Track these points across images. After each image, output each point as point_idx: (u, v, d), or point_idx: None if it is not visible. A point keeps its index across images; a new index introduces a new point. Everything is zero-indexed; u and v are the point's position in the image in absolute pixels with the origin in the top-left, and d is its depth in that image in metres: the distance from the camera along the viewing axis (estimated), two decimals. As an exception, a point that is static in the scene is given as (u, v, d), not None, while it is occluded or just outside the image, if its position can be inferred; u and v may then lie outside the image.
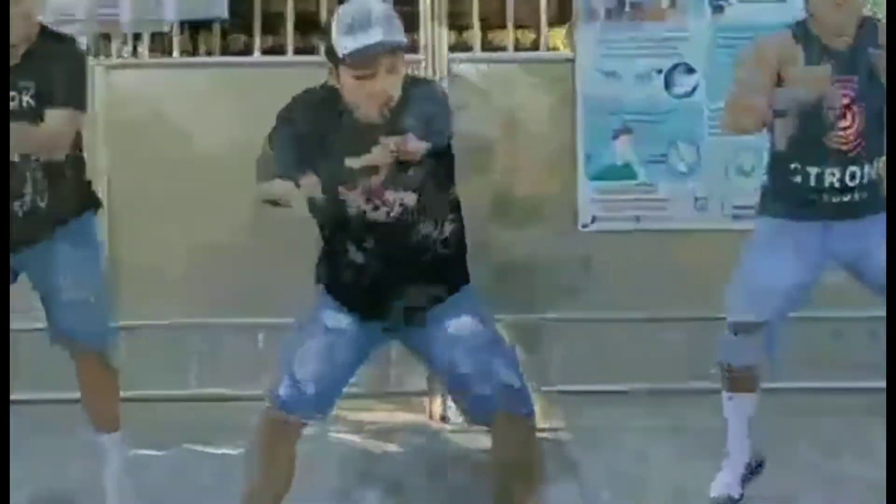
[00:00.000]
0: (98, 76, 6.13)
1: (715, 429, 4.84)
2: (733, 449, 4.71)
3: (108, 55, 6.56)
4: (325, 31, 3.64)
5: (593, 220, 6.12)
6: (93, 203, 4.86)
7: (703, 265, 5.80)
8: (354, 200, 3.59)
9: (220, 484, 5.15)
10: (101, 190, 5.79)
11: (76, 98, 4.54)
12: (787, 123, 4.38)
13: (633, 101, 6.12)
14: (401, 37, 3.57)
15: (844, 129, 4.30)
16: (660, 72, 6.05)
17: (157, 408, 6.18)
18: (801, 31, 4.37)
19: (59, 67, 4.47)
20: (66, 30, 5.77)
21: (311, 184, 3.39)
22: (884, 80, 4.25)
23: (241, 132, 5.89)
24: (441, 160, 3.63)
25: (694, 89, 6.00)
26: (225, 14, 6.34)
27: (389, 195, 3.60)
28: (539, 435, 3.98)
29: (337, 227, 3.74)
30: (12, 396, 4.74)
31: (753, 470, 4.79)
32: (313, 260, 3.90)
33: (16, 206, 4.52)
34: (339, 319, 3.80)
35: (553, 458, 5.25)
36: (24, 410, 5.47)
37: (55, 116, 4.37)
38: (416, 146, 3.40)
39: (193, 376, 6.58)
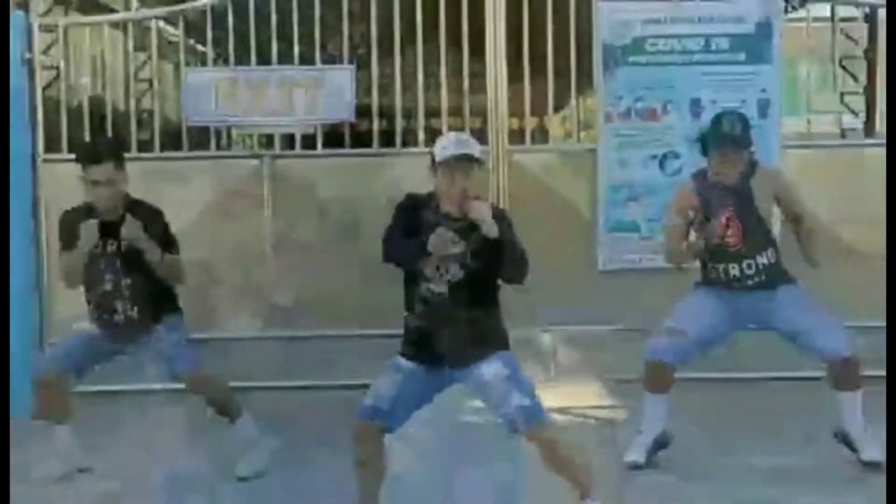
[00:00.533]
0: (264, 165, 7.11)
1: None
2: (645, 429, 5.27)
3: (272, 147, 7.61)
4: (431, 153, 4.24)
5: (609, 261, 6.99)
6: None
7: (682, 291, 6.11)
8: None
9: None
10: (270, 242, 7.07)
11: (174, 244, 5.25)
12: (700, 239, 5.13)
13: (639, 179, 6.97)
14: (474, 151, 4.20)
15: (730, 237, 5.02)
16: (655, 157, 6.95)
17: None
18: (700, 178, 5.23)
19: (154, 224, 5.10)
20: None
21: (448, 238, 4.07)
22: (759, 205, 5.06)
23: (369, 197, 6.95)
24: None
25: (680, 169, 6.79)
26: (352, 117, 7.12)
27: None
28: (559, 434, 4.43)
29: (409, 291, 4.26)
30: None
31: (662, 441, 5.30)
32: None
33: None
34: (405, 363, 4.29)
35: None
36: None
37: (177, 259, 5.20)
38: (484, 217, 4.03)
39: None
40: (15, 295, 6.65)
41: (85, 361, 5.42)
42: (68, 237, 5.13)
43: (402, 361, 4.31)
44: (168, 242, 5.24)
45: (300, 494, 5.14)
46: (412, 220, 4.23)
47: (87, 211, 5.14)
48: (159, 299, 5.31)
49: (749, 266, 5.12)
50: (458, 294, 4.20)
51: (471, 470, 5.37)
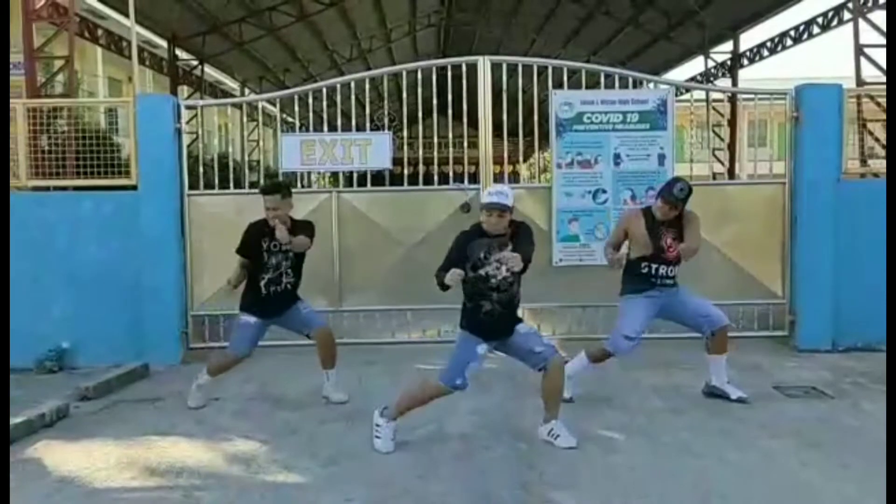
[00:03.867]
0: (333, 198, 7.08)
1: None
2: (574, 378, 5.19)
3: (338, 185, 7.52)
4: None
5: (560, 260, 7.03)
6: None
7: (611, 282, 6.50)
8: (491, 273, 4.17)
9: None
10: (336, 248, 7.02)
11: (313, 236, 5.32)
12: (642, 246, 5.06)
13: (578, 206, 6.98)
14: (507, 202, 4.18)
15: (671, 252, 5.03)
16: (589, 192, 6.97)
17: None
18: (649, 212, 5.13)
19: (306, 229, 5.27)
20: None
21: (458, 274, 4.06)
22: (688, 235, 5.01)
23: (402, 218, 7.08)
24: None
25: (606, 201, 6.93)
26: (390, 165, 7.12)
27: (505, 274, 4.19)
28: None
29: (476, 290, 4.23)
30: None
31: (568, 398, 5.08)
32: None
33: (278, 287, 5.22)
34: (483, 348, 4.31)
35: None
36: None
37: (308, 240, 5.22)
38: (517, 262, 4.08)
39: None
40: (170, 280, 6.80)
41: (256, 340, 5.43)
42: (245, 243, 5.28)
43: (479, 346, 4.31)
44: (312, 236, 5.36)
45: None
46: (470, 241, 4.25)
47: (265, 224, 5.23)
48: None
49: (672, 271, 5.11)
50: (513, 287, 4.30)
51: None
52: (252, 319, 5.28)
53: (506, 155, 7.31)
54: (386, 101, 7.65)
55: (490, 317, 4.27)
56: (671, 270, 5.10)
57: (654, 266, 5.10)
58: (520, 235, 4.30)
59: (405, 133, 7.33)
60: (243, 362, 5.45)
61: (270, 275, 5.24)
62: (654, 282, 5.11)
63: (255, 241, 5.23)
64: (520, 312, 6.88)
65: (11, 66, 10.13)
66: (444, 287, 4.17)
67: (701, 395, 5.38)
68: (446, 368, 4.36)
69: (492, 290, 4.23)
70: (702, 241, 5.31)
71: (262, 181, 7.52)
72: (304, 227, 5.33)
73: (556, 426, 4.40)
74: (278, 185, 5.41)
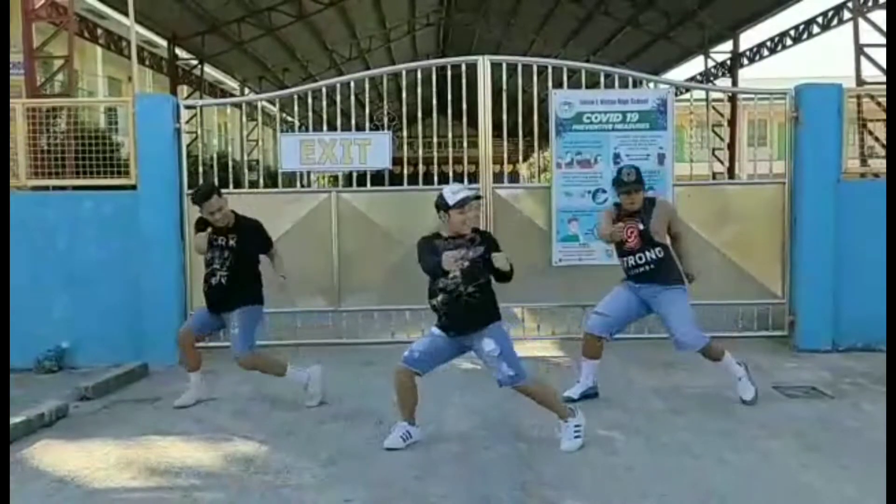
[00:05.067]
0: (332, 197, 7.05)
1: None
2: (583, 380, 5.30)
3: (337, 185, 7.60)
4: (438, 201, 4.22)
5: (560, 260, 7.05)
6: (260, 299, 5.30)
7: (611, 282, 6.54)
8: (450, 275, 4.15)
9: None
10: (335, 248, 7.04)
11: (270, 244, 5.38)
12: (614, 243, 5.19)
13: (578, 206, 6.98)
14: (476, 193, 4.36)
15: (630, 241, 5.06)
16: (589, 192, 6.96)
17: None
18: (617, 207, 5.21)
19: (254, 232, 5.24)
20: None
21: (453, 256, 4.07)
22: (653, 222, 5.01)
23: (402, 218, 7.04)
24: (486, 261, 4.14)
25: (605, 200, 6.82)
26: (390, 165, 7.09)
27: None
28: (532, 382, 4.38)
29: (437, 291, 4.25)
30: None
31: (592, 392, 5.31)
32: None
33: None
34: (437, 331, 4.35)
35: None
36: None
37: (274, 252, 5.29)
38: (503, 262, 4.07)
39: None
40: (169, 280, 6.78)
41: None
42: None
43: (436, 330, 4.37)
44: (267, 241, 5.38)
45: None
46: (431, 246, 4.26)
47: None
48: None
49: (640, 258, 5.09)
50: (464, 284, 4.22)
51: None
52: (203, 306, 5.38)
53: (505, 155, 7.27)
54: (385, 101, 7.59)
55: (443, 316, 4.30)
56: (639, 258, 5.09)
57: (625, 259, 5.18)
58: (490, 242, 4.29)
59: (405, 133, 7.33)
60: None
61: (206, 268, 5.27)
62: (631, 273, 5.15)
63: (201, 234, 5.19)
64: (519, 312, 6.94)
65: (11, 65, 10.10)
66: (443, 273, 4.16)
67: (700, 396, 5.37)
68: None
69: (438, 291, 4.25)
70: (687, 229, 5.38)
71: (262, 181, 7.51)
72: (251, 229, 5.29)
73: (563, 429, 4.35)
74: (210, 188, 5.33)
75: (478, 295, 4.24)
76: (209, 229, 5.18)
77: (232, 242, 5.20)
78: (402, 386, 4.39)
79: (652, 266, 5.10)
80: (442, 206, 4.23)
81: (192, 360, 5.46)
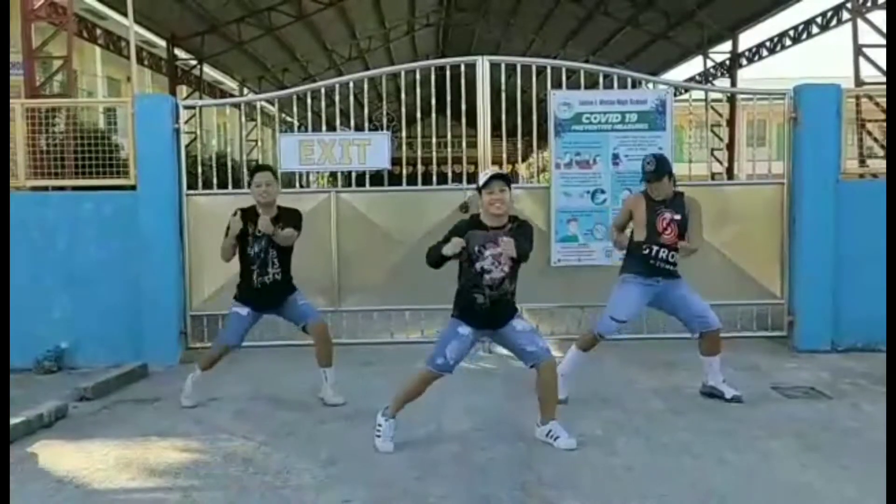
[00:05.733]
0: (331, 198, 7.05)
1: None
2: (569, 376, 5.14)
3: (336, 184, 7.40)
4: (478, 186, 4.24)
5: (559, 260, 7.04)
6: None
7: (610, 282, 6.60)
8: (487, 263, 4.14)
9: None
10: (335, 248, 7.01)
11: (300, 227, 5.24)
12: (642, 228, 5.05)
13: (577, 206, 6.98)
14: (508, 177, 4.31)
15: (668, 234, 5.03)
16: (588, 192, 6.96)
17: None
18: (646, 194, 5.15)
19: (294, 218, 5.22)
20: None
21: (459, 243, 4.09)
22: (690, 230, 4.99)
23: (401, 218, 7.04)
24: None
25: (604, 201, 6.91)
26: (389, 165, 7.06)
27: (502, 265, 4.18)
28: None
29: (471, 283, 4.22)
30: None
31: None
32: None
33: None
34: (466, 329, 4.29)
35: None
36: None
37: (295, 232, 5.16)
38: (511, 251, 4.08)
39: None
40: (169, 280, 6.79)
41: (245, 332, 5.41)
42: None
43: (461, 328, 4.30)
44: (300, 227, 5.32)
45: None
46: (470, 229, 4.25)
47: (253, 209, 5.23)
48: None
49: (672, 256, 5.08)
50: (510, 282, 4.27)
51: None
52: (244, 311, 5.26)
53: (504, 155, 7.27)
54: (385, 101, 7.58)
55: (482, 308, 4.28)
56: (671, 255, 5.07)
57: (653, 248, 5.08)
58: (521, 230, 4.28)
59: (404, 133, 7.33)
60: (242, 363, 5.42)
61: (257, 264, 5.19)
62: (654, 264, 5.08)
63: (237, 225, 5.15)
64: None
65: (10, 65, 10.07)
66: (442, 260, 4.16)
67: (699, 396, 5.37)
68: (431, 352, 4.38)
69: (486, 286, 4.22)
70: (702, 238, 5.29)
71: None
72: (290, 216, 5.26)
73: (555, 427, 4.37)
74: (268, 166, 5.46)
75: (515, 289, 4.33)
76: (246, 225, 5.13)
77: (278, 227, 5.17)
78: (420, 389, 4.41)
79: (675, 264, 5.13)
80: (478, 188, 4.29)
81: (213, 363, 5.42)
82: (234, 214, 5.21)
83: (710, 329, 5.15)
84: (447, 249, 4.12)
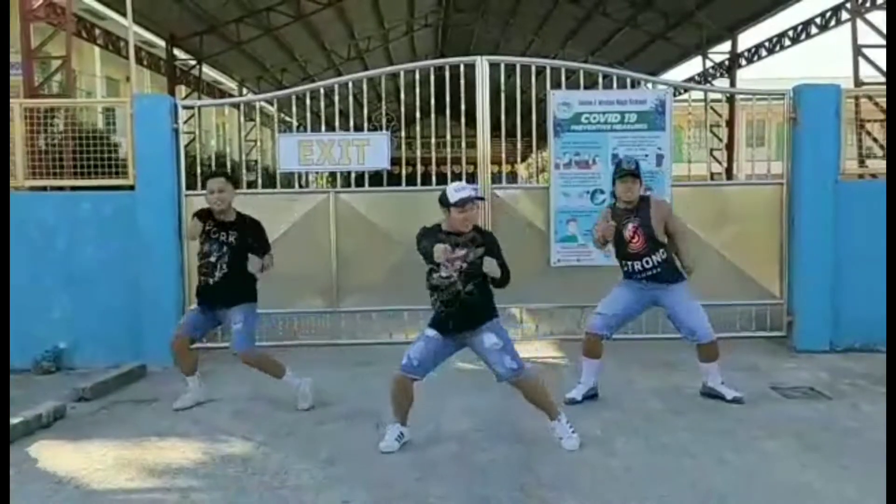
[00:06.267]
0: (330, 198, 7.03)
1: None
2: (585, 381, 5.28)
3: (335, 185, 7.43)
4: (441, 197, 4.20)
5: (558, 260, 7.03)
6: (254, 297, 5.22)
7: (609, 283, 6.62)
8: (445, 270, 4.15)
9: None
10: (334, 249, 7.04)
11: (266, 241, 5.29)
12: (614, 243, 5.15)
13: (576, 206, 6.98)
14: (479, 195, 4.34)
15: (634, 243, 5.07)
16: (587, 192, 6.96)
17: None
18: (614, 205, 5.24)
19: (254, 231, 5.19)
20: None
21: (444, 249, 4.07)
22: (653, 223, 4.99)
23: (400, 219, 6.94)
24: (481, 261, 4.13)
25: (603, 201, 6.78)
26: (388, 166, 7.09)
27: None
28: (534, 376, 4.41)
29: (428, 282, 4.25)
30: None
31: (592, 393, 5.29)
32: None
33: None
34: (432, 332, 4.29)
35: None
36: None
37: (267, 257, 5.17)
38: (494, 269, 4.09)
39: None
40: (168, 280, 6.77)
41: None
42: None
43: (428, 330, 4.33)
44: (265, 244, 5.32)
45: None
46: (432, 235, 4.22)
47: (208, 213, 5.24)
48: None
49: (647, 262, 5.09)
50: (462, 283, 4.20)
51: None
52: (195, 306, 5.33)
53: (504, 155, 7.24)
54: (384, 102, 7.57)
55: (438, 311, 4.29)
56: (646, 262, 5.08)
57: (627, 263, 5.16)
58: (491, 245, 4.25)
59: (403, 133, 7.32)
60: (240, 364, 5.38)
61: (204, 263, 5.19)
62: (636, 277, 5.15)
63: (196, 228, 5.16)
64: (517, 313, 6.92)
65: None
66: (436, 265, 4.18)
67: (699, 396, 5.36)
68: None
69: (436, 287, 4.24)
70: (687, 232, 5.36)
71: (260, 181, 7.47)
72: (253, 231, 5.24)
73: (558, 427, 4.36)
74: (224, 171, 5.53)
75: (475, 293, 4.23)
76: (204, 224, 5.15)
77: (231, 239, 5.17)
78: (400, 392, 4.37)
79: (658, 269, 5.12)
80: (444, 202, 4.22)
81: (187, 364, 5.41)
82: (193, 217, 5.23)
83: (701, 343, 5.16)
84: (437, 256, 4.09)
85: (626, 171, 5.10)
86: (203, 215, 5.21)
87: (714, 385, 5.28)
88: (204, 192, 7.02)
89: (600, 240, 5.24)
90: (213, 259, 5.16)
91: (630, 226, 5.11)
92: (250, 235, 5.22)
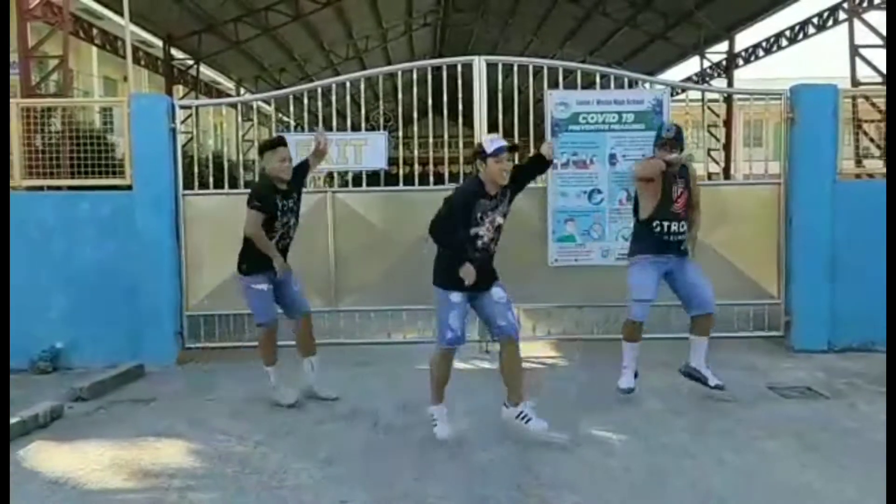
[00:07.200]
0: (328, 198, 6.99)
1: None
2: (630, 364, 5.32)
3: (333, 184, 7.55)
4: (477, 149, 4.28)
5: (556, 260, 6.98)
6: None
7: (607, 282, 6.44)
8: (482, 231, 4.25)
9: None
10: (332, 248, 6.96)
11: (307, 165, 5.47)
12: (654, 200, 5.08)
13: (574, 206, 6.94)
14: (511, 143, 4.31)
15: (679, 203, 5.11)
16: (585, 192, 6.93)
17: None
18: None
19: (298, 177, 5.31)
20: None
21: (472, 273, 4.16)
22: (692, 188, 5.14)
23: (398, 219, 7.00)
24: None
25: (601, 201, 6.89)
26: (386, 165, 7.03)
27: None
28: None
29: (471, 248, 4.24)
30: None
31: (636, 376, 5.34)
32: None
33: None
34: (458, 296, 4.29)
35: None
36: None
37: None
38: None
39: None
40: (165, 280, 6.77)
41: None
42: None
43: (452, 294, 4.28)
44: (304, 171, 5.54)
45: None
46: (476, 200, 4.26)
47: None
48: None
49: (683, 225, 5.16)
50: (494, 243, 4.37)
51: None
52: (265, 286, 5.20)
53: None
54: (381, 102, 7.58)
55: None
56: (682, 225, 5.13)
57: (664, 224, 5.13)
58: (511, 189, 4.39)
59: (401, 133, 7.31)
60: (238, 363, 5.39)
61: (282, 233, 5.22)
62: (667, 240, 5.12)
63: (273, 198, 5.16)
64: (515, 312, 6.95)
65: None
66: (454, 248, 4.21)
67: (697, 396, 5.35)
68: (437, 332, 4.39)
69: (477, 250, 4.28)
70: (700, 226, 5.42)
71: (257, 181, 7.43)
72: (296, 176, 5.33)
73: (526, 409, 4.38)
74: (279, 137, 5.51)
75: (494, 253, 4.39)
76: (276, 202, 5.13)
77: (292, 203, 5.26)
78: (447, 368, 4.43)
79: (685, 236, 5.18)
80: (480, 154, 4.25)
81: (274, 353, 5.38)
82: (259, 208, 5.13)
83: (702, 312, 5.21)
84: (464, 275, 4.14)
85: (675, 140, 5.14)
86: (269, 197, 5.12)
87: (698, 366, 5.28)
88: (202, 191, 7.12)
89: (646, 175, 5.14)
90: (290, 229, 5.26)
91: (678, 186, 5.14)
92: (299, 183, 5.32)
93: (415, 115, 7.27)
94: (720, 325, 6.54)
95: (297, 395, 5.32)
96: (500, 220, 4.37)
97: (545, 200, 7.07)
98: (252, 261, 5.18)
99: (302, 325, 5.43)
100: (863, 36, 13.06)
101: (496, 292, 4.37)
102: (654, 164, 5.14)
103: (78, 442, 4.61)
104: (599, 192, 6.98)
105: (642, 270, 5.19)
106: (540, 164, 4.65)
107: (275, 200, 5.15)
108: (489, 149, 4.21)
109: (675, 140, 5.17)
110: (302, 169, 5.43)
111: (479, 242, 4.30)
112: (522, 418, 4.36)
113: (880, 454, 3.60)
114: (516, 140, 7.27)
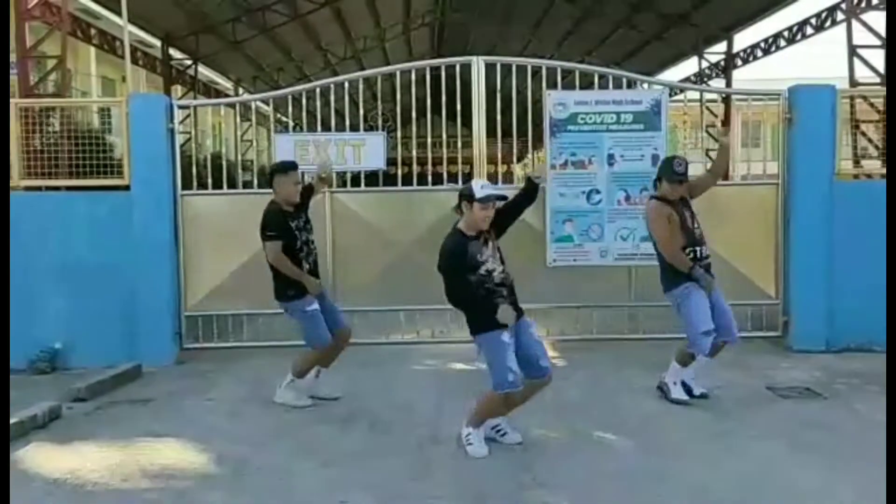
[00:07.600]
0: (326, 198, 6.97)
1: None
2: (677, 382, 5.25)
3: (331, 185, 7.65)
4: (464, 191, 4.19)
5: (554, 260, 6.99)
6: None
7: (605, 283, 6.55)
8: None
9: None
10: (330, 249, 6.94)
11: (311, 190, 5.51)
12: (678, 232, 5.07)
13: (572, 207, 6.95)
14: (502, 193, 4.31)
15: (696, 228, 5.15)
16: (583, 192, 6.93)
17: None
18: (664, 199, 5.16)
19: (305, 200, 5.32)
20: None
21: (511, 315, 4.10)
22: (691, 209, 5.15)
23: (396, 219, 7.07)
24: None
25: (600, 201, 6.90)
26: (384, 166, 7.03)
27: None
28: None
29: (487, 290, 4.15)
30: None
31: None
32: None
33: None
34: (507, 335, 4.13)
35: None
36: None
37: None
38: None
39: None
40: (163, 280, 6.76)
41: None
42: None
43: (502, 335, 4.14)
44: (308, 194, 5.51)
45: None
46: (467, 245, 4.19)
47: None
48: None
49: (706, 250, 5.18)
50: (509, 276, 4.28)
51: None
52: (315, 305, 5.16)
53: (500, 155, 7.21)
54: (380, 102, 7.57)
55: (507, 304, 4.20)
56: (705, 251, 5.16)
57: (695, 249, 5.13)
58: (494, 230, 4.31)
59: (399, 133, 7.31)
60: (237, 364, 5.39)
61: (307, 252, 5.24)
62: (701, 265, 5.11)
63: (285, 223, 5.15)
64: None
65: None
66: (483, 273, 4.16)
67: (697, 397, 5.34)
68: (494, 378, 4.17)
69: (498, 285, 4.18)
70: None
71: (256, 181, 7.45)
72: (303, 199, 5.38)
73: (503, 423, 4.40)
74: (292, 161, 5.59)
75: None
76: (291, 222, 5.15)
77: (304, 222, 5.30)
78: (506, 409, 4.35)
79: (710, 260, 5.19)
80: (467, 197, 4.19)
81: (329, 361, 5.40)
82: (274, 237, 5.11)
83: (727, 340, 5.17)
84: (504, 319, 4.06)
85: (682, 174, 5.14)
86: (283, 214, 5.14)
87: (686, 379, 5.24)
88: (201, 192, 7.12)
89: (668, 230, 5.13)
90: (311, 243, 5.28)
91: (687, 213, 5.17)
92: (304, 204, 5.35)
93: (413, 115, 7.24)
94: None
95: (309, 403, 5.32)
96: (498, 253, 4.28)
97: (544, 201, 7.03)
98: (293, 285, 5.15)
99: (342, 339, 5.36)
100: (861, 36, 13.06)
101: (533, 332, 4.30)
102: (663, 216, 5.15)
103: (76, 442, 4.61)
104: (598, 192, 6.99)
105: (699, 300, 5.06)
106: (528, 197, 4.56)
107: (287, 225, 5.15)
108: (478, 194, 4.15)
109: (686, 174, 5.18)
110: (306, 192, 5.44)
111: (496, 276, 4.19)
112: (501, 433, 4.38)
113: (879, 454, 3.59)
114: (515, 140, 7.38)
